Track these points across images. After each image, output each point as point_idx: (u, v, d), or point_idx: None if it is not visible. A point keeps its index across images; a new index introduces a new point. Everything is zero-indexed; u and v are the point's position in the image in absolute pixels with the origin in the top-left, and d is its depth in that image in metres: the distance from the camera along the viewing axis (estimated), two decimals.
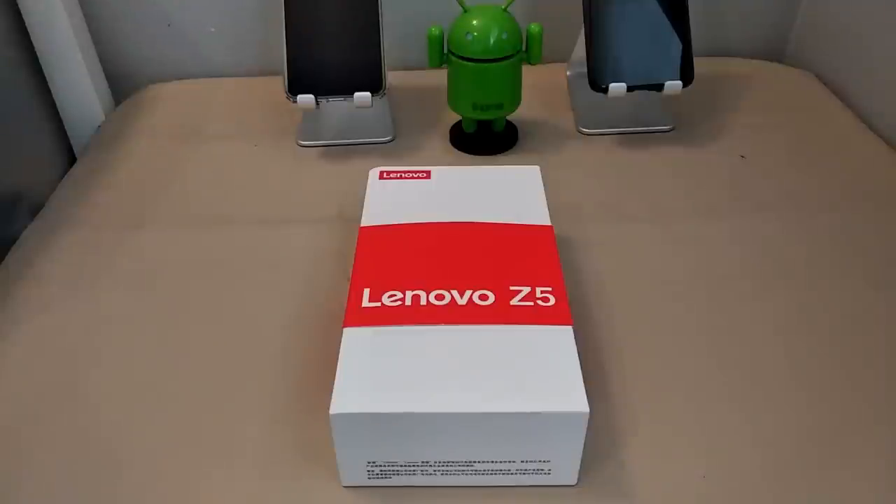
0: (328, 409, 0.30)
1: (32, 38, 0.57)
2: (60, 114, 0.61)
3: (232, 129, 0.59)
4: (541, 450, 0.31)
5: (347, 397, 0.30)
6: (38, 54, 0.58)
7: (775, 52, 0.69)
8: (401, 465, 0.32)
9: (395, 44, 0.62)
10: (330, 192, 0.51)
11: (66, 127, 0.61)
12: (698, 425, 0.35)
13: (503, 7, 0.51)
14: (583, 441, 0.31)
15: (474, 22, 0.50)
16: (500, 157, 0.54)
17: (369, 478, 0.32)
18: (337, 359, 0.32)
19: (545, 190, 0.41)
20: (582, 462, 0.32)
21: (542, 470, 0.32)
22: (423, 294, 0.34)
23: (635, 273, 0.44)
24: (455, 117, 0.58)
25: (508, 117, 0.57)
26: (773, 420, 0.35)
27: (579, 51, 0.57)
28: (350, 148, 0.56)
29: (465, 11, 0.51)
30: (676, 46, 0.53)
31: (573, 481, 0.32)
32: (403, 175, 0.43)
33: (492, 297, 0.34)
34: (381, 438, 0.31)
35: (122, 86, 0.66)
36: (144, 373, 0.38)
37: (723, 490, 0.32)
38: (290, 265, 0.45)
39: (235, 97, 0.63)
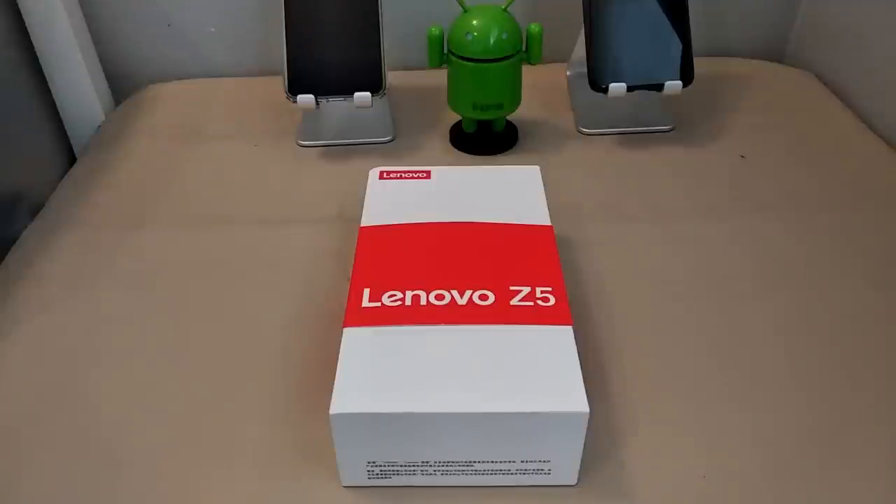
0: (328, 409, 0.30)
1: (32, 38, 0.57)
2: (60, 114, 0.61)
3: (232, 129, 0.59)
4: (541, 450, 0.31)
5: (347, 397, 0.30)
6: (38, 54, 0.58)
7: (775, 52, 0.69)
8: (401, 465, 0.32)
9: (395, 44, 0.62)
10: (330, 192, 0.51)
11: (66, 127, 0.61)
12: (698, 425, 0.35)
13: (503, 7, 0.51)
14: (583, 441, 0.31)
15: (474, 22, 0.50)
16: (500, 157, 0.54)
17: (369, 478, 0.32)
18: (337, 359, 0.32)
19: (545, 190, 0.41)
20: (582, 462, 0.32)
21: (542, 470, 0.32)
22: (423, 294, 0.34)
23: (635, 273, 0.44)
24: (455, 117, 0.58)
25: (508, 117, 0.57)
26: (773, 420, 0.35)
27: (579, 51, 0.57)
28: (350, 148, 0.56)
29: (465, 11, 0.51)
30: (676, 46, 0.53)
31: (573, 481, 0.32)
32: (403, 175, 0.43)
33: (492, 297, 0.34)
34: (381, 438, 0.31)
35: (122, 86, 0.66)
36: (144, 373, 0.38)
37: (723, 490, 0.32)
38: (290, 265, 0.45)
39: (235, 97, 0.63)
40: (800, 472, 0.33)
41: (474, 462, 0.31)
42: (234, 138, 0.57)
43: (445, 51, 0.52)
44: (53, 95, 0.60)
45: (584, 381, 0.30)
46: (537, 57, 0.52)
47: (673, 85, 0.52)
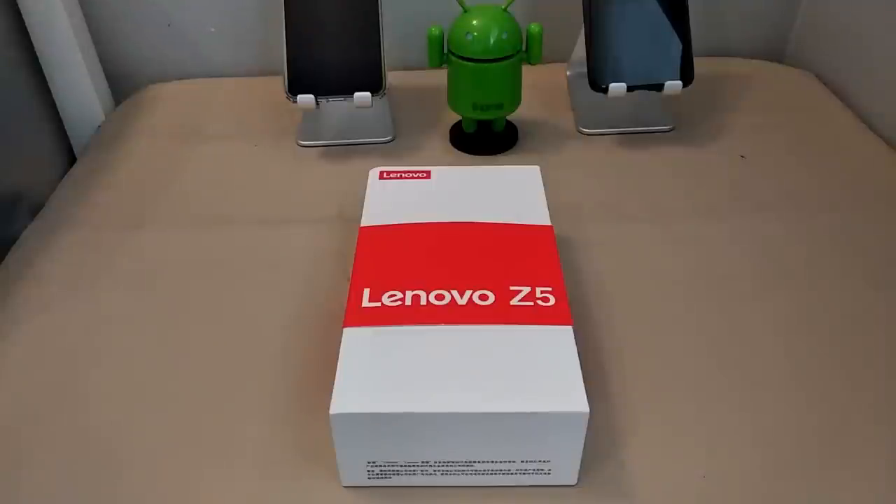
0: (328, 409, 0.30)
1: (32, 38, 0.57)
2: (60, 114, 0.61)
3: (232, 129, 0.59)
4: (541, 450, 0.31)
5: (347, 397, 0.30)
6: (38, 54, 0.58)
7: (775, 52, 0.69)
8: (401, 465, 0.32)
9: (395, 44, 0.62)
10: (330, 192, 0.51)
11: (66, 127, 0.61)
12: (698, 425, 0.35)
13: (503, 7, 0.51)
14: (583, 441, 0.31)
15: (474, 22, 0.50)
16: (500, 157, 0.54)
17: (369, 478, 0.32)
18: (337, 359, 0.32)
19: (545, 190, 0.41)
20: (582, 462, 0.32)
21: (542, 470, 0.32)
22: (423, 294, 0.34)
23: (635, 273, 0.44)
24: (455, 117, 0.58)
25: (508, 117, 0.57)
26: (773, 420, 0.35)
27: (579, 51, 0.57)
28: (350, 148, 0.56)
29: (465, 11, 0.51)
30: (676, 46, 0.53)
31: (573, 481, 0.32)
32: (403, 175, 0.43)
33: (492, 297, 0.34)
34: (381, 438, 0.31)
35: (122, 86, 0.66)
36: (144, 373, 0.38)
37: (723, 490, 0.32)
38: (290, 265, 0.45)
39: (235, 97, 0.63)
40: (800, 472, 0.33)
41: (474, 462, 0.31)
42: (234, 138, 0.57)
43: (445, 51, 0.52)
44: (53, 95, 0.60)
45: (584, 381, 0.30)
46: (537, 57, 0.52)
47: (673, 85, 0.52)
